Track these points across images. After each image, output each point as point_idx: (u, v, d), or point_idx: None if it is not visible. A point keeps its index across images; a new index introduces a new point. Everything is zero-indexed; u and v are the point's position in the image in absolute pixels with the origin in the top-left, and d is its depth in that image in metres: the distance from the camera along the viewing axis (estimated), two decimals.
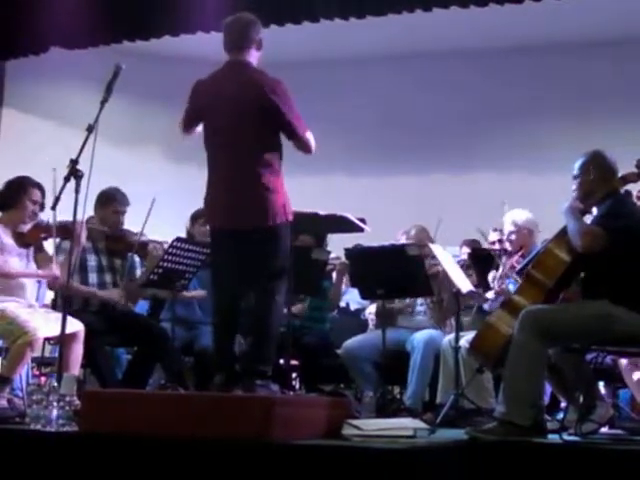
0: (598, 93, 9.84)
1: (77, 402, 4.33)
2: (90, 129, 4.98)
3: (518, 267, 5.90)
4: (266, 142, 4.96)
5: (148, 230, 6.42)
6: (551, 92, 10.05)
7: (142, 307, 7.47)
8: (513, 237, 6.44)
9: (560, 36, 9.65)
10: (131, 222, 6.51)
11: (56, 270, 5.72)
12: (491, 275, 6.32)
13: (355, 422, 4.50)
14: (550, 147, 9.70)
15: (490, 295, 6.32)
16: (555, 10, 8.03)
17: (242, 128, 4.93)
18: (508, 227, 6.47)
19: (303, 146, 5.06)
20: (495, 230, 6.76)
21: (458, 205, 9.49)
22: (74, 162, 4.97)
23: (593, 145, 5.12)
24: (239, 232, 4.96)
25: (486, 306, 6.45)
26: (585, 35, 9.58)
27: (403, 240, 6.87)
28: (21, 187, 5.81)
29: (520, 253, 6.33)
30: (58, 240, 6.01)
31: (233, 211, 4.97)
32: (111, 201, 6.41)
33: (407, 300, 6.83)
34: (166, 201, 8.30)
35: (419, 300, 6.85)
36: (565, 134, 9.75)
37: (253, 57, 5.08)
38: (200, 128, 5.16)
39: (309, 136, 5.05)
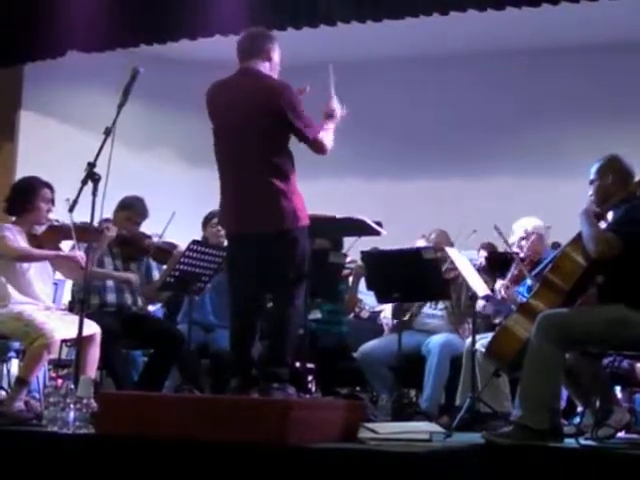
0: (620, 98, 9.78)
1: (94, 404, 4.34)
2: (108, 132, 4.99)
3: (534, 271, 5.90)
4: (275, 146, 4.96)
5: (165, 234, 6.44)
6: (572, 96, 9.98)
7: (158, 310, 7.50)
8: (523, 243, 6.47)
9: (583, 39, 9.57)
10: (149, 226, 6.53)
11: (78, 253, 5.68)
12: (498, 283, 6.34)
13: (371, 425, 4.51)
14: (569, 152, 9.64)
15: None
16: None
17: (251, 132, 4.93)
18: (519, 233, 6.51)
19: (316, 148, 5.06)
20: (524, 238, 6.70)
21: (475, 209, 9.47)
22: (91, 165, 4.98)
23: (613, 150, 5.11)
24: (253, 236, 4.97)
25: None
26: (609, 38, 9.49)
27: (422, 244, 6.89)
28: (32, 189, 5.80)
29: (529, 259, 6.36)
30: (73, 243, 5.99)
31: (245, 216, 4.98)
32: (126, 208, 6.43)
33: (415, 304, 6.85)
34: (183, 204, 8.34)
35: (439, 304, 6.86)
36: (585, 139, 9.67)
37: (262, 66, 5.10)
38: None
39: (322, 136, 5.05)
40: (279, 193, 4.89)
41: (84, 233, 5.54)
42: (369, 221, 5.79)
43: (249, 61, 5.09)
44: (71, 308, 6.53)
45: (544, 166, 9.90)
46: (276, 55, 5.15)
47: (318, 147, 5.05)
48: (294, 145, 5.05)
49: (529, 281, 6.07)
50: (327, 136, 5.09)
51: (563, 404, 5.46)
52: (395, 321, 6.84)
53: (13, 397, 5.38)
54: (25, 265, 5.69)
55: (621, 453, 4.36)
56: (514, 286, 6.26)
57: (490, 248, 7.33)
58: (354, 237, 6.94)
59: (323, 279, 6.05)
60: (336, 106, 5.22)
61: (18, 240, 5.70)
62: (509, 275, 6.27)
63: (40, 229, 5.84)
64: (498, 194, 9.82)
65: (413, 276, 6.22)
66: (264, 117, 4.91)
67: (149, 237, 6.41)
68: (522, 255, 6.42)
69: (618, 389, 6.24)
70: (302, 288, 5.04)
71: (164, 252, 6.38)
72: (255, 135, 4.93)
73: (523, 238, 6.50)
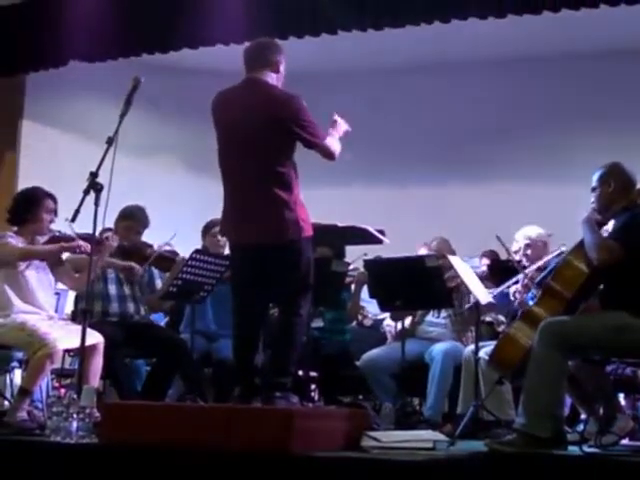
0: (622, 104, 9.77)
1: (97, 414, 4.35)
2: (110, 142, 4.99)
3: (537, 279, 5.89)
4: (279, 156, 4.96)
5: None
6: (572, 103, 9.99)
7: (161, 319, 7.50)
8: (529, 251, 6.47)
9: (584, 45, 9.58)
10: (150, 235, 6.53)
11: (81, 242, 5.68)
12: (512, 288, 6.33)
13: (374, 434, 4.50)
14: (571, 159, 9.64)
15: None
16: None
17: (254, 142, 4.93)
18: (522, 242, 6.50)
19: (324, 154, 5.08)
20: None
21: (476, 216, 9.48)
22: (93, 175, 4.98)
23: (614, 158, 5.11)
24: (255, 247, 4.97)
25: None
26: (611, 44, 9.47)
27: (423, 252, 6.88)
28: (35, 200, 5.80)
29: (536, 266, 6.35)
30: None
31: (248, 226, 4.98)
32: (127, 218, 6.42)
33: (418, 312, 6.85)
34: (185, 213, 8.36)
35: (442, 312, 6.86)
36: (587, 146, 9.69)
37: (269, 77, 5.09)
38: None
39: (329, 142, 5.07)
40: (282, 203, 4.89)
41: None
42: (371, 229, 5.79)
43: (257, 71, 5.08)
44: (73, 318, 6.53)
45: (545, 173, 9.90)
46: (282, 66, 5.15)
47: (326, 152, 5.07)
48: (296, 153, 5.06)
49: (533, 289, 6.07)
50: (334, 142, 5.12)
51: (566, 411, 5.46)
52: (398, 328, 6.83)
53: (16, 407, 5.38)
54: (27, 273, 5.69)
55: (625, 460, 4.34)
56: (525, 293, 6.24)
57: (492, 256, 7.33)
58: (359, 248, 6.92)
59: (325, 287, 6.03)
60: (339, 120, 5.26)
61: None
62: (520, 282, 6.25)
63: (42, 240, 5.84)
64: (499, 201, 9.82)
65: (416, 284, 6.21)
66: (268, 127, 4.91)
67: (150, 246, 6.40)
68: (526, 263, 6.40)
69: (621, 396, 6.23)
70: (307, 298, 5.05)
71: (166, 260, 6.37)
72: (259, 145, 4.93)
73: (529, 245, 6.49)
